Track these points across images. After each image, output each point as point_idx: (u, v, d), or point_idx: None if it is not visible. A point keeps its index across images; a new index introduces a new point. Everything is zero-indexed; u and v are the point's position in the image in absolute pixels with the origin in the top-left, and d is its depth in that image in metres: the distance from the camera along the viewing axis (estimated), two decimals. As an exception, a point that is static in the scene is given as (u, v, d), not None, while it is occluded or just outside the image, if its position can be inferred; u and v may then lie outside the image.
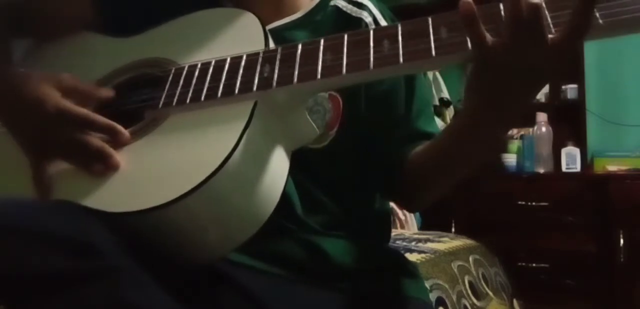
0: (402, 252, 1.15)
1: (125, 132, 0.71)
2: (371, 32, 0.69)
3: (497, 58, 0.63)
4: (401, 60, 0.66)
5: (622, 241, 2.78)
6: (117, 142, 0.71)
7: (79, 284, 0.57)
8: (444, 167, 0.85)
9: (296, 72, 0.69)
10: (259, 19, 0.78)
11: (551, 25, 0.62)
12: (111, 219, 0.62)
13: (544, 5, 0.61)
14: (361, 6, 0.92)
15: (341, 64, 0.68)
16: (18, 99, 0.74)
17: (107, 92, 0.78)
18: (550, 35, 0.61)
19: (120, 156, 0.70)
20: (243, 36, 0.77)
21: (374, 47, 0.68)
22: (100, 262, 0.58)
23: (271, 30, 0.81)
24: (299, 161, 0.76)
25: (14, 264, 0.56)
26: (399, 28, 0.68)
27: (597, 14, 0.60)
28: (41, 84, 0.73)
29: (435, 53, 0.65)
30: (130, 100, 0.78)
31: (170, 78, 0.75)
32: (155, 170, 0.68)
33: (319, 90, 0.81)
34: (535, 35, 0.61)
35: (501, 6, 0.65)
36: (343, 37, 0.70)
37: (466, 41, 0.64)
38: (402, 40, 0.67)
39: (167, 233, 0.64)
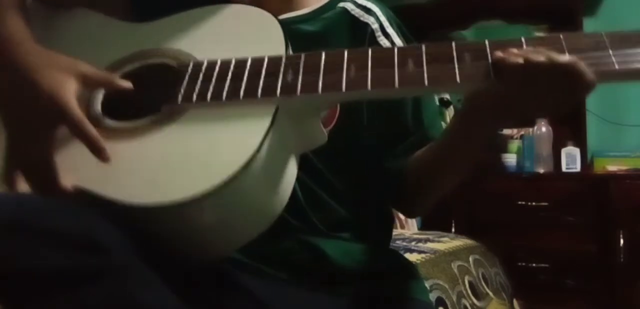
0: (402, 252, 1.15)
1: (106, 153, 0.69)
2: (395, 50, 0.71)
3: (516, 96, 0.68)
4: (426, 83, 0.68)
5: (622, 241, 2.78)
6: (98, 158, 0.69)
7: (85, 282, 0.56)
8: (437, 170, 0.86)
9: (320, 82, 0.70)
10: (279, 22, 0.78)
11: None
12: (119, 212, 0.62)
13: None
14: (369, 11, 0.93)
15: (366, 78, 0.69)
16: (34, 77, 0.70)
17: (125, 84, 0.76)
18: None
19: (140, 145, 0.69)
20: (262, 36, 0.77)
21: (398, 65, 0.69)
22: (106, 260, 0.58)
23: (279, 22, 0.81)
24: (302, 160, 0.76)
25: (18, 262, 0.56)
26: (423, 49, 0.70)
27: (614, 59, 0.64)
28: (61, 69, 0.71)
29: (460, 79, 0.67)
30: (145, 91, 0.76)
31: (188, 73, 0.75)
32: (175, 164, 0.68)
33: (340, 101, 0.82)
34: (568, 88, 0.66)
35: (523, 42, 0.69)
36: (367, 52, 0.71)
37: (489, 71, 0.67)
38: (427, 62, 0.69)
39: (179, 228, 0.64)
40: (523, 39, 0.69)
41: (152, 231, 0.63)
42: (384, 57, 0.71)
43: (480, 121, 0.75)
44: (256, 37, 0.77)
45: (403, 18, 0.96)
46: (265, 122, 0.67)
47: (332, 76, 0.70)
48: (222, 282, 0.74)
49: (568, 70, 0.64)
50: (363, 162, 0.89)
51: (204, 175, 0.63)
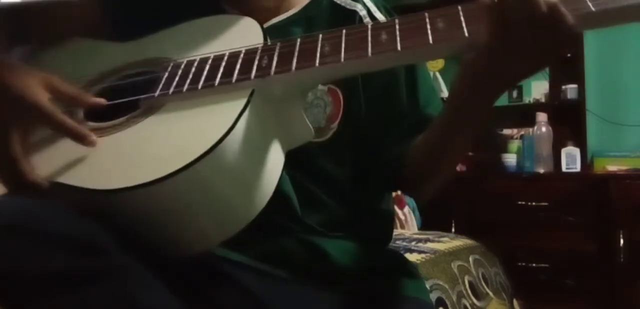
0: (402, 252, 1.15)
1: (94, 141, 0.69)
2: (369, 25, 0.71)
3: (500, 54, 0.65)
4: (399, 47, 0.67)
5: (622, 241, 2.78)
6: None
7: (85, 284, 0.57)
8: (437, 151, 0.85)
9: (294, 61, 0.70)
10: (260, 19, 0.79)
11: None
12: (104, 201, 0.62)
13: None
14: None
15: (340, 52, 0.69)
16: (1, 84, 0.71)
17: (96, 100, 0.76)
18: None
19: (115, 138, 0.70)
20: (242, 37, 0.78)
21: (371, 37, 0.69)
22: (106, 262, 0.58)
23: (268, 28, 0.81)
24: (299, 158, 0.76)
25: (20, 264, 0.56)
26: (396, 21, 0.70)
27: (590, 3, 0.63)
28: (30, 77, 0.72)
29: (433, 41, 0.67)
30: (126, 93, 0.77)
31: (167, 71, 0.76)
32: (148, 151, 0.68)
33: (317, 80, 0.81)
34: (542, 35, 0.63)
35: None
36: (341, 31, 0.71)
37: (463, 30, 0.66)
38: (400, 31, 0.69)
39: (157, 215, 0.64)
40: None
41: (126, 219, 0.62)
42: (357, 32, 0.71)
43: (472, 89, 0.73)
44: (237, 39, 0.78)
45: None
46: (239, 105, 0.67)
47: (306, 55, 0.70)
48: (222, 282, 0.74)
49: (548, 12, 0.62)
50: (365, 154, 0.89)
51: (174, 158, 0.63)
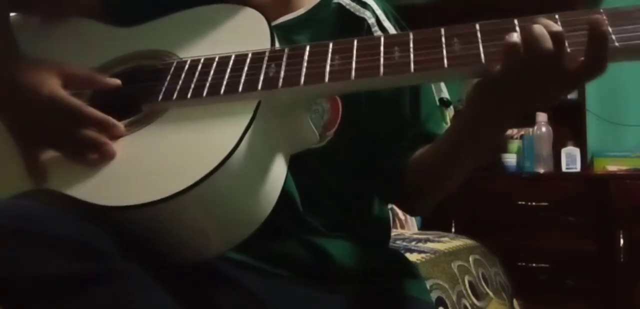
0: (402, 252, 1.15)
1: (120, 125, 0.69)
2: (382, 38, 0.69)
3: (514, 79, 0.63)
4: (412, 69, 0.65)
5: (622, 241, 2.78)
6: (111, 136, 0.69)
7: (85, 287, 0.56)
8: (440, 171, 0.84)
9: (303, 74, 0.67)
10: (265, 17, 0.77)
11: (568, 49, 0.62)
12: (107, 215, 0.62)
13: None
14: (365, 5, 0.90)
15: (350, 68, 0.66)
16: (14, 83, 0.72)
17: (112, 82, 0.75)
18: (567, 67, 0.62)
19: (116, 148, 0.68)
20: (248, 33, 0.76)
21: (384, 54, 0.66)
22: (106, 265, 0.58)
23: (273, 27, 0.80)
24: (298, 161, 0.75)
25: (20, 267, 0.56)
26: (411, 36, 0.67)
27: (613, 37, 0.60)
28: (40, 69, 0.72)
29: (448, 64, 0.64)
30: (128, 91, 0.75)
31: (171, 71, 0.74)
32: (151, 165, 0.66)
33: (325, 94, 0.80)
34: (554, 65, 0.61)
35: (516, 24, 0.65)
36: (352, 42, 0.69)
37: (479, 54, 0.64)
38: (414, 49, 0.66)
39: (161, 229, 0.63)
40: (515, 21, 0.65)
41: (127, 229, 0.62)
42: (369, 46, 0.68)
43: (483, 107, 0.70)
44: (242, 35, 0.76)
45: (401, 18, 0.95)
46: (245, 119, 0.64)
47: (315, 68, 0.67)
48: (222, 283, 0.74)
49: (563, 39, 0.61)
50: (364, 162, 0.89)
51: (176, 178, 0.61)
